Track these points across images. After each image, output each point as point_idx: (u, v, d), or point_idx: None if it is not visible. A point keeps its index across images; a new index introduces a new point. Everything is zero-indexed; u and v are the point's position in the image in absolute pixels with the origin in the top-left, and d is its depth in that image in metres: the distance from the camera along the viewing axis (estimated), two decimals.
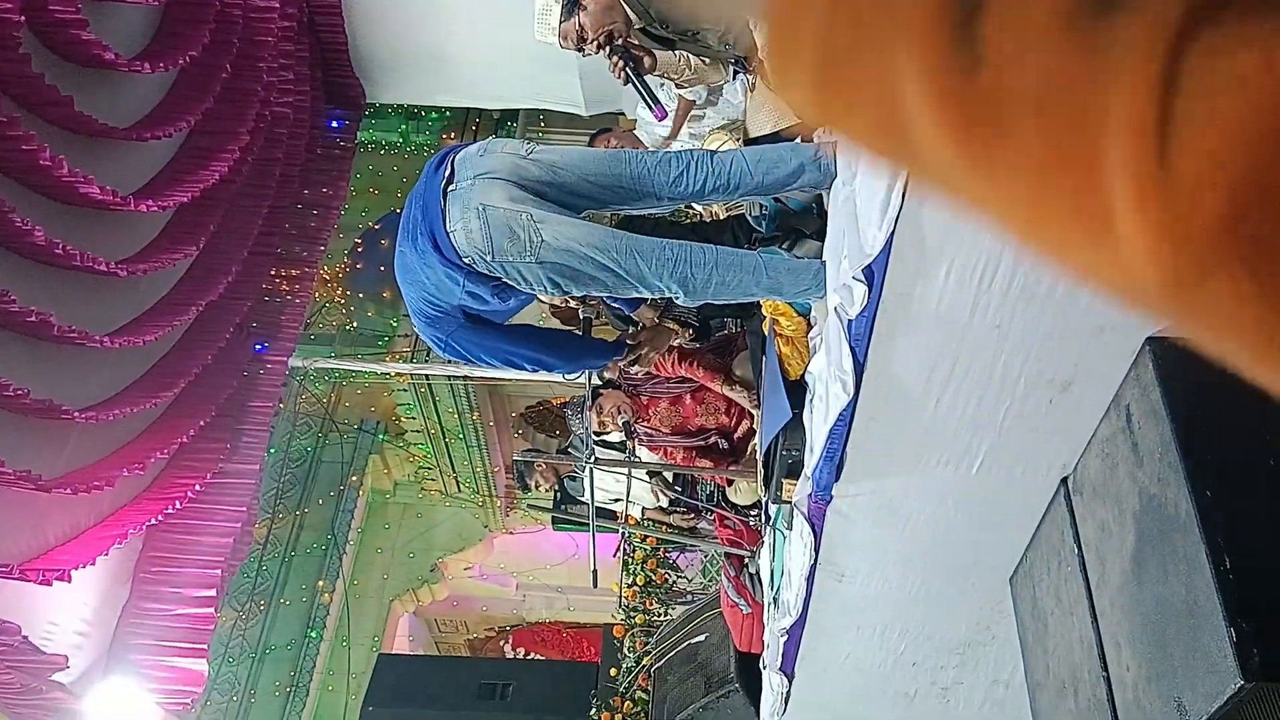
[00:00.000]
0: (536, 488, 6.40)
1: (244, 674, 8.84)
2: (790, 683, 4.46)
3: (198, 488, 7.51)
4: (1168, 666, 2.25)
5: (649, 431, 5.18)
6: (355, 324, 10.67)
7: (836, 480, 3.37)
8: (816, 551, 3.71)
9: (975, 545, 3.57)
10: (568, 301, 4.15)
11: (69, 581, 6.38)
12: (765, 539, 4.35)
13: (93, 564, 6.67)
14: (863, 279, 2.51)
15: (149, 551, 7.62)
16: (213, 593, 7.56)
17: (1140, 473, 2.41)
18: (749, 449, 4.97)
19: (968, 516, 3.49)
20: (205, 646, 7.47)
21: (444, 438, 9.57)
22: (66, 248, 5.74)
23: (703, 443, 5.10)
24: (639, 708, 6.23)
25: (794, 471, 3.67)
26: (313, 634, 9.09)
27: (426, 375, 9.78)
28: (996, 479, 3.20)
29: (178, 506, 7.34)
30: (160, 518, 7.24)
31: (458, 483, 10.05)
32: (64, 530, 6.77)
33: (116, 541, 6.83)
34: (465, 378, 9.83)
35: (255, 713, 8.70)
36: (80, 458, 6.70)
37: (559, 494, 6.73)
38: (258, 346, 8.59)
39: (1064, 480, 2.86)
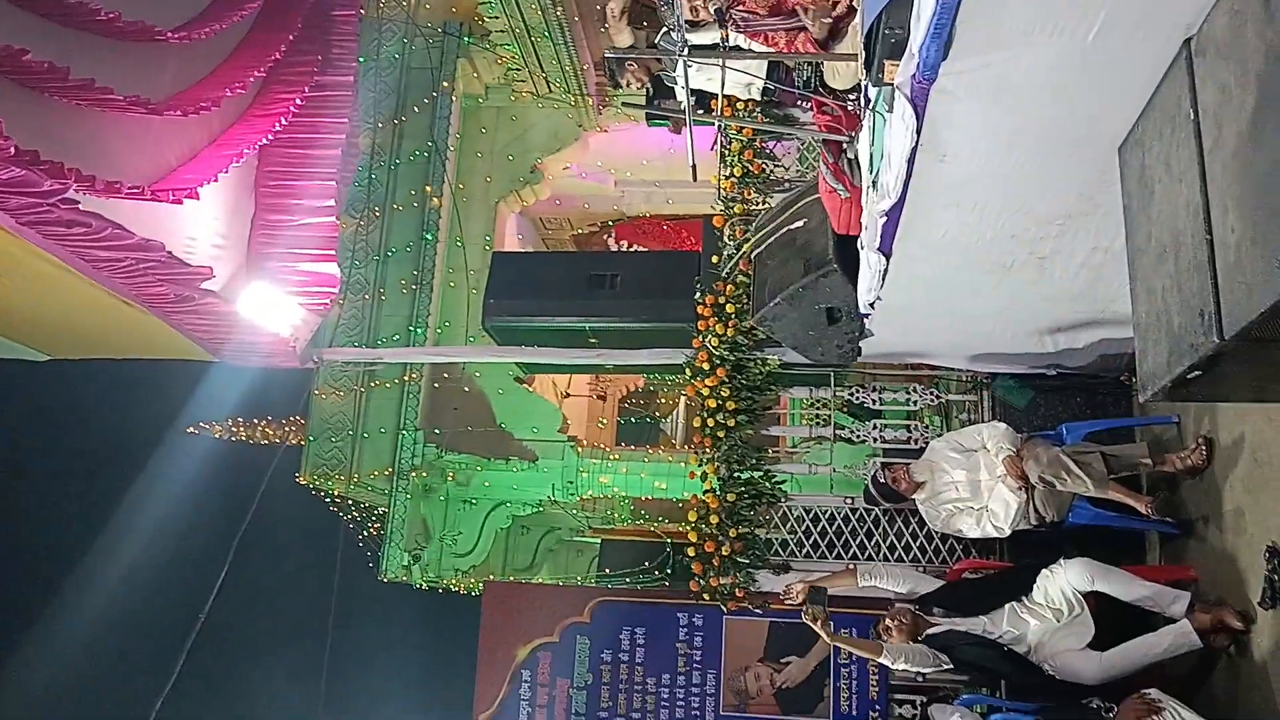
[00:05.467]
0: (628, 86, 6.31)
1: (371, 274, 9.51)
2: (888, 261, 4.62)
3: (299, 102, 7.63)
4: (1274, 228, 2.27)
5: (745, 15, 4.97)
6: None
7: (944, 58, 3.26)
8: (919, 133, 3.68)
9: (1086, 117, 3.49)
10: None
11: (197, 199, 6.78)
12: (864, 123, 4.30)
13: (215, 181, 7.02)
14: None
15: (265, 168, 7.94)
16: (331, 202, 7.95)
17: (1270, 30, 2.28)
18: (848, 29, 4.76)
19: (1080, 88, 3.38)
20: (334, 251, 7.99)
21: (529, 36, 9.32)
22: None
23: (799, 25, 4.89)
24: (740, 290, 6.55)
25: (896, 51, 3.55)
26: (428, 236, 9.58)
27: None
28: (1113, 45, 3.05)
29: (284, 123, 7.52)
30: (270, 136, 7.46)
31: (548, 83, 9.91)
32: (182, 152, 7.07)
33: (234, 160, 7.13)
34: None
35: (388, 308, 9.47)
36: (182, 80, 6.83)
37: (651, 90, 6.64)
38: None
39: (1186, 42, 2.73)
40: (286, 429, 9.92)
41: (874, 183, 4.32)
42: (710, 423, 6.44)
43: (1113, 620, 4.67)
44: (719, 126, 6.52)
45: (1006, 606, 4.82)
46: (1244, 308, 2.41)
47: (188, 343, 7.50)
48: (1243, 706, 4.32)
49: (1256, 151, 2.36)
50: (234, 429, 10.28)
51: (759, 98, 6.08)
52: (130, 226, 6.10)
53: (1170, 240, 2.82)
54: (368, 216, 9.20)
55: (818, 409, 7.50)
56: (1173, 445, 5.16)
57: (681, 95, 4.69)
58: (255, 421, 10.16)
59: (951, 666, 4.92)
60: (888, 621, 4.87)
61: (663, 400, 13.88)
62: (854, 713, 6.03)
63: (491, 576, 10.04)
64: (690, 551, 6.30)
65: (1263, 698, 4.16)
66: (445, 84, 9.76)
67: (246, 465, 10.26)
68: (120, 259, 6.17)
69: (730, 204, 6.92)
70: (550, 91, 9.88)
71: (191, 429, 10.65)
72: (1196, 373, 2.72)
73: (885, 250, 4.57)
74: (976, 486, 5.27)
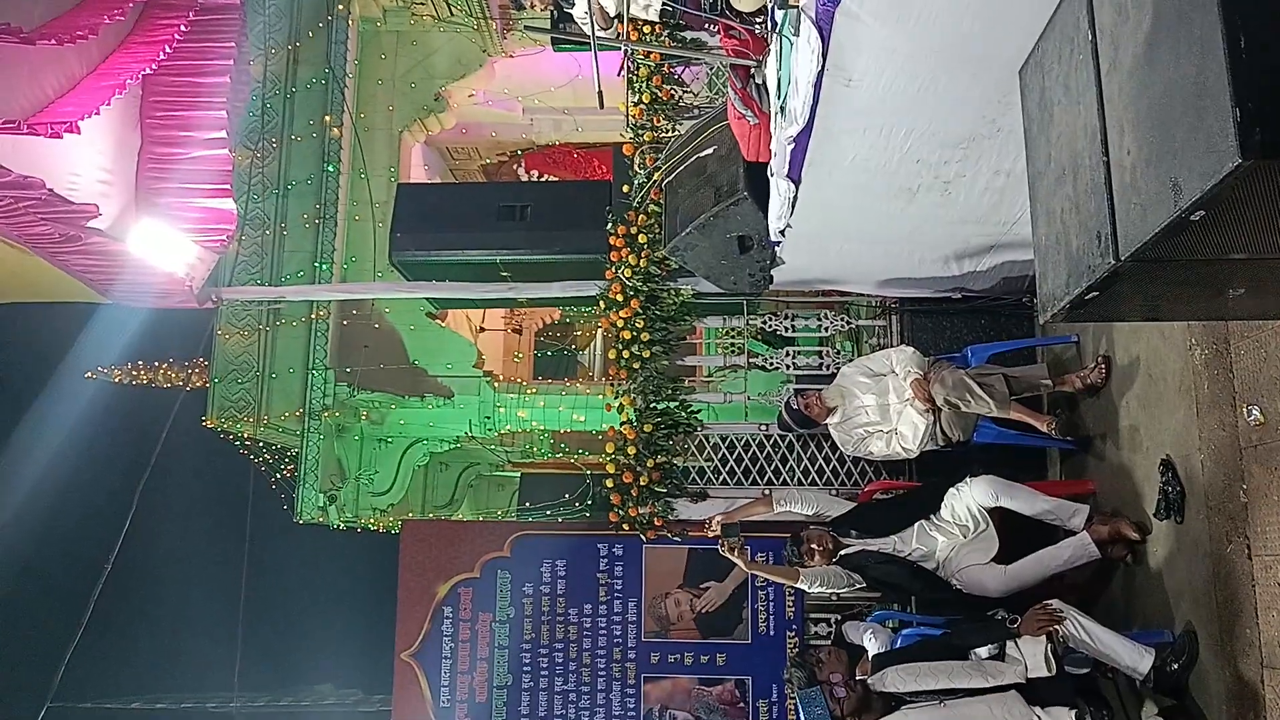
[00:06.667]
0: (532, 8, 6.14)
1: (271, 209, 9.18)
2: (797, 187, 4.61)
3: (183, 28, 7.23)
4: (1168, 148, 2.29)
5: None
6: None
7: None
8: (824, 57, 3.64)
9: (987, 38, 3.49)
10: None
11: (78, 133, 6.40)
12: (771, 47, 4.23)
13: (97, 114, 6.64)
14: None
15: (150, 98, 7.54)
16: (222, 133, 7.59)
17: None
18: None
19: (981, 9, 3.37)
20: (229, 186, 7.66)
21: None
22: None
23: None
24: (653, 220, 6.48)
25: None
26: (330, 168, 9.26)
27: None
28: None
29: (168, 50, 7.13)
30: (154, 64, 7.07)
31: (449, 5, 9.60)
32: (60, 82, 6.67)
33: (117, 90, 6.75)
34: None
35: (290, 243, 9.18)
36: (56, 7, 6.42)
37: (556, 12, 6.46)
38: None
39: None
40: (190, 371, 9.63)
41: (782, 108, 4.27)
42: (625, 354, 6.42)
43: (1016, 534, 4.83)
44: (625, 51, 6.38)
45: (915, 525, 4.94)
46: (1139, 228, 2.44)
47: (77, 284, 7.17)
48: (1139, 613, 4.52)
49: (1151, 73, 2.36)
50: (134, 373, 9.95)
51: (657, 19, 5.95)
52: (6, 163, 5.76)
53: (1069, 162, 2.84)
54: (264, 148, 8.85)
55: (732, 338, 7.54)
56: (1072, 365, 5.30)
57: (581, 13, 4.56)
58: (157, 364, 9.86)
59: (864, 585, 5.05)
60: (811, 545, 4.96)
61: (580, 332, 13.82)
62: (771, 633, 6.17)
63: (410, 514, 9.97)
64: (609, 483, 6.31)
65: (1157, 604, 4.35)
66: (340, 7, 9.38)
67: (149, 410, 9.96)
68: None
69: (640, 131, 6.81)
70: (452, 15, 9.58)
71: (90, 374, 10.28)
72: (1094, 294, 2.75)
73: (794, 177, 4.55)
74: (886, 410, 5.35)
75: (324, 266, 9.12)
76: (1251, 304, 2.89)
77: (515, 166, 12.24)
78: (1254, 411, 3.64)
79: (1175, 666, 3.98)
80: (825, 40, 3.55)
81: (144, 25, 7.22)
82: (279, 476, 9.93)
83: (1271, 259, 2.45)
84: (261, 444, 9.82)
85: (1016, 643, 4.12)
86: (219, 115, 7.57)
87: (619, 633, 6.34)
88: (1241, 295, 2.75)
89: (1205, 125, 2.12)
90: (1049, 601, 4.18)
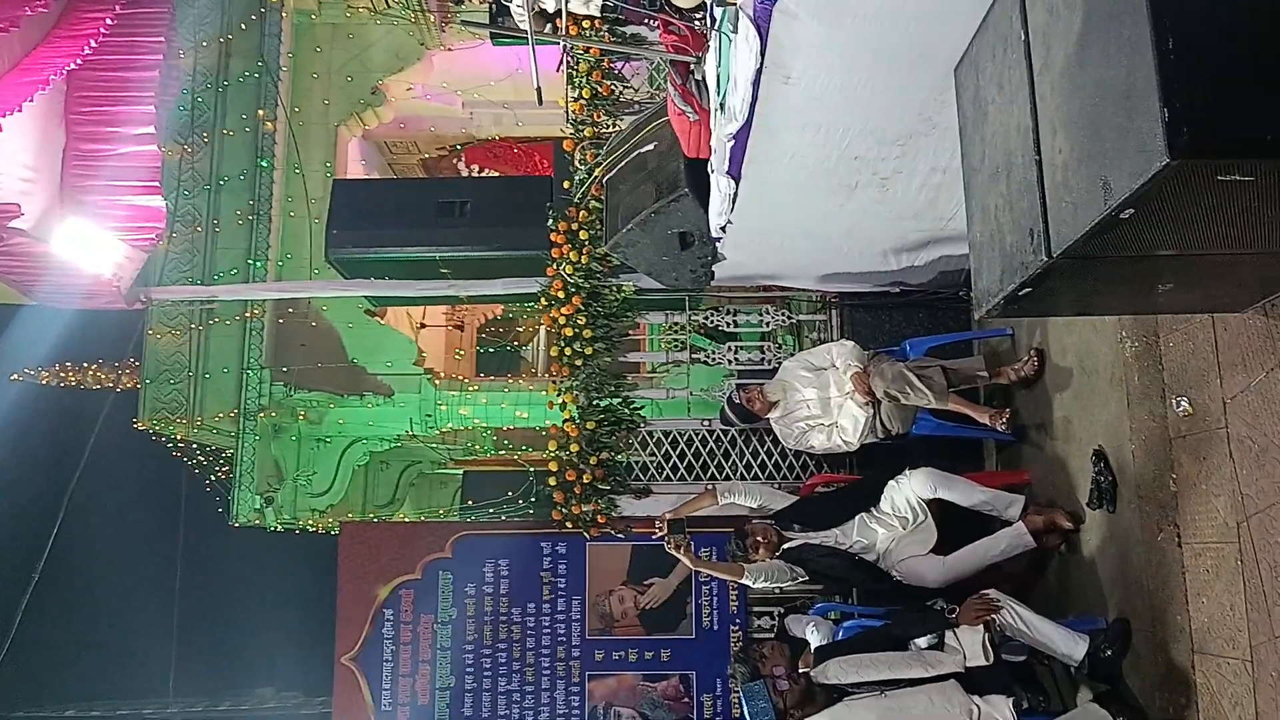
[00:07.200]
0: (470, 1, 6.08)
1: (203, 205, 8.98)
2: (737, 184, 4.61)
3: (110, 21, 7.03)
4: (1099, 148, 2.33)
5: None
6: None
7: None
8: (763, 55, 3.64)
9: (923, 37, 3.52)
10: None
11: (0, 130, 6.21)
12: (711, 43, 4.23)
13: (19, 110, 6.44)
14: None
15: (75, 93, 7.31)
16: (151, 129, 7.39)
17: None
18: None
19: (917, 8, 3.39)
20: (158, 183, 7.47)
21: None
22: None
23: None
24: (594, 216, 6.46)
25: None
26: (263, 163, 9.07)
27: None
28: None
29: (94, 44, 6.92)
30: (80, 59, 6.85)
31: None
32: None
33: (40, 86, 6.54)
34: None
35: (223, 240, 8.98)
36: None
37: (494, 6, 6.41)
38: None
39: None
40: (120, 372, 9.39)
41: (721, 105, 4.27)
42: (568, 351, 6.39)
43: (953, 525, 4.90)
44: (564, 46, 6.33)
45: (856, 518, 4.99)
46: (1070, 226, 2.48)
47: None
48: (1073, 601, 4.61)
49: (1082, 73, 2.40)
50: (62, 374, 9.67)
51: (597, 14, 5.92)
52: None
53: (1003, 161, 2.87)
54: (195, 143, 8.65)
55: (674, 334, 7.55)
56: (1008, 357, 5.39)
57: (518, 7, 4.51)
58: (85, 365, 9.59)
59: (806, 578, 5.09)
60: (756, 538, 4.98)
61: (522, 328, 13.74)
62: (715, 627, 6.19)
63: (351, 515, 9.84)
64: (552, 481, 6.28)
65: (1091, 592, 4.45)
66: None
67: (79, 412, 9.70)
68: None
69: (580, 127, 6.77)
70: (389, 7, 9.43)
71: (15, 376, 9.97)
72: (1027, 289, 2.80)
73: (734, 174, 4.55)
74: (827, 403, 5.38)
75: (258, 264, 8.95)
76: (1180, 298, 2.96)
77: (455, 161, 12.11)
78: (1183, 403, 3.73)
79: (1109, 653, 4.06)
80: (763, 38, 3.55)
81: (69, 18, 7.00)
82: (214, 478, 9.73)
83: (1199, 255, 2.51)
84: (195, 446, 9.62)
85: (955, 632, 4.18)
86: (147, 110, 7.38)
87: (563, 631, 6.31)
88: (1170, 290, 2.81)
89: (1135, 125, 2.15)
90: (986, 591, 4.24)
